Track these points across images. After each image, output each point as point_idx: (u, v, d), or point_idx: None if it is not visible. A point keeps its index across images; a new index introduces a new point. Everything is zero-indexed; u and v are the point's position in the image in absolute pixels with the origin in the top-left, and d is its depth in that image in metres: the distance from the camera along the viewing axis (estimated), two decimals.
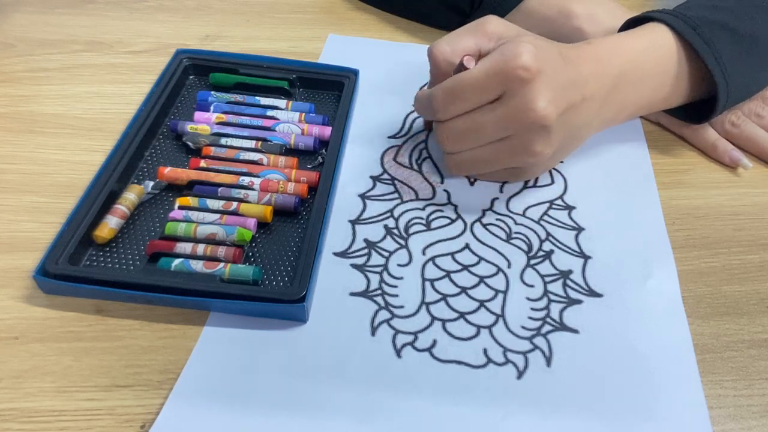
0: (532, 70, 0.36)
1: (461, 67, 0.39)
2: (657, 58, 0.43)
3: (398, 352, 0.36)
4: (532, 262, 0.41)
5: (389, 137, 0.49)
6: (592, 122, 0.42)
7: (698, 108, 0.47)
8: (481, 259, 0.41)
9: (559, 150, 0.42)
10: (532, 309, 0.39)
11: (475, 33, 0.41)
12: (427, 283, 0.40)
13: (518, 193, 0.46)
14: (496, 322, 0.38)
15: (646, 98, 0.45)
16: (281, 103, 0.49)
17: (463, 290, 0.39)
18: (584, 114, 0.41)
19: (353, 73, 0.51)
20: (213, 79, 0.51)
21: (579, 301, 0.39)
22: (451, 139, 0.41)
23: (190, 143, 0.45)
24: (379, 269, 0.40)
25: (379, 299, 0.38)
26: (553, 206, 0.45)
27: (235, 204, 0.41)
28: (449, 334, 0.37)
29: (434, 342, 0.37)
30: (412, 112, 0.51)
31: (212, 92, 0.49)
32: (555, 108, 0.37)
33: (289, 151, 0.46)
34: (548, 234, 0.43)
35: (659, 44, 0.44)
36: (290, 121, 0.48)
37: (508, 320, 0.38)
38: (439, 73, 0.42)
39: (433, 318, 0.38)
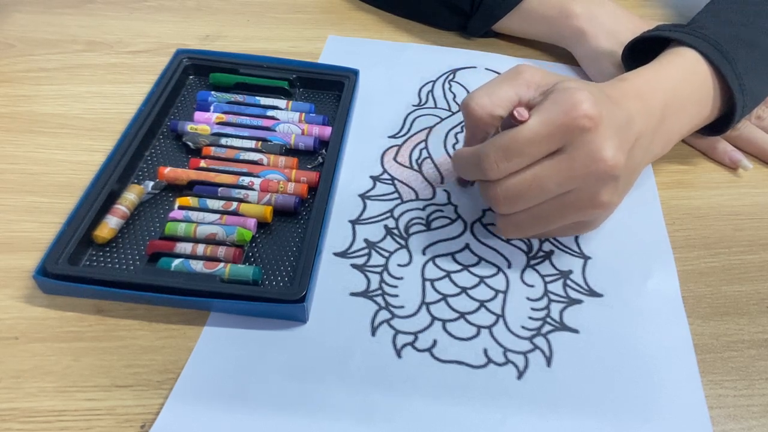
0: (595, 118, 0.34)
1: (513, 120, 0.35)
2: (694, 87, 0.43)
3: (398, 352, 0.36)
4: (532, 262, 0.41)
5: (389, 137, 0.49)
6: (643, 160, 0.41)
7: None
8: (481, 259, 0.41)
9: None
10: (533, 309, 0.39)
11: (512, 82, 0.38)
12: (427, 283, 0.40)
13: None
14: (496, 322, 0.38)
15: (687, 126, 0.44)
16: (281, 103, 0.49)
17: (463, 290, 0.39)
18: (638, 154, 0.39)
19: (353, 73, 0.51)
20: (213, 79, 0.51)
21: (579, 301, 0.39)
22: (509, 200, 0.36)
23: (190, 143, 0.45)
24: (379, 269, 0.40)
25: (379, 299, 0.38)
26: None
27: (235, 204, 0.41)
28: (449, 334, 0.37)
29: (434, 342, 0.37)
30: (412, 112, 0.51)
31: (212, 92, 0.49)
32: (622, 154, 0.35)
33: (289, 151, 0.46)
34: None
35: (694, 72, 0.43)
36: (290, 121, 0.48)
37: (508, 320, 0.38)
38: (479, 127, 0.39)
39: (434, 318, 0.38)
